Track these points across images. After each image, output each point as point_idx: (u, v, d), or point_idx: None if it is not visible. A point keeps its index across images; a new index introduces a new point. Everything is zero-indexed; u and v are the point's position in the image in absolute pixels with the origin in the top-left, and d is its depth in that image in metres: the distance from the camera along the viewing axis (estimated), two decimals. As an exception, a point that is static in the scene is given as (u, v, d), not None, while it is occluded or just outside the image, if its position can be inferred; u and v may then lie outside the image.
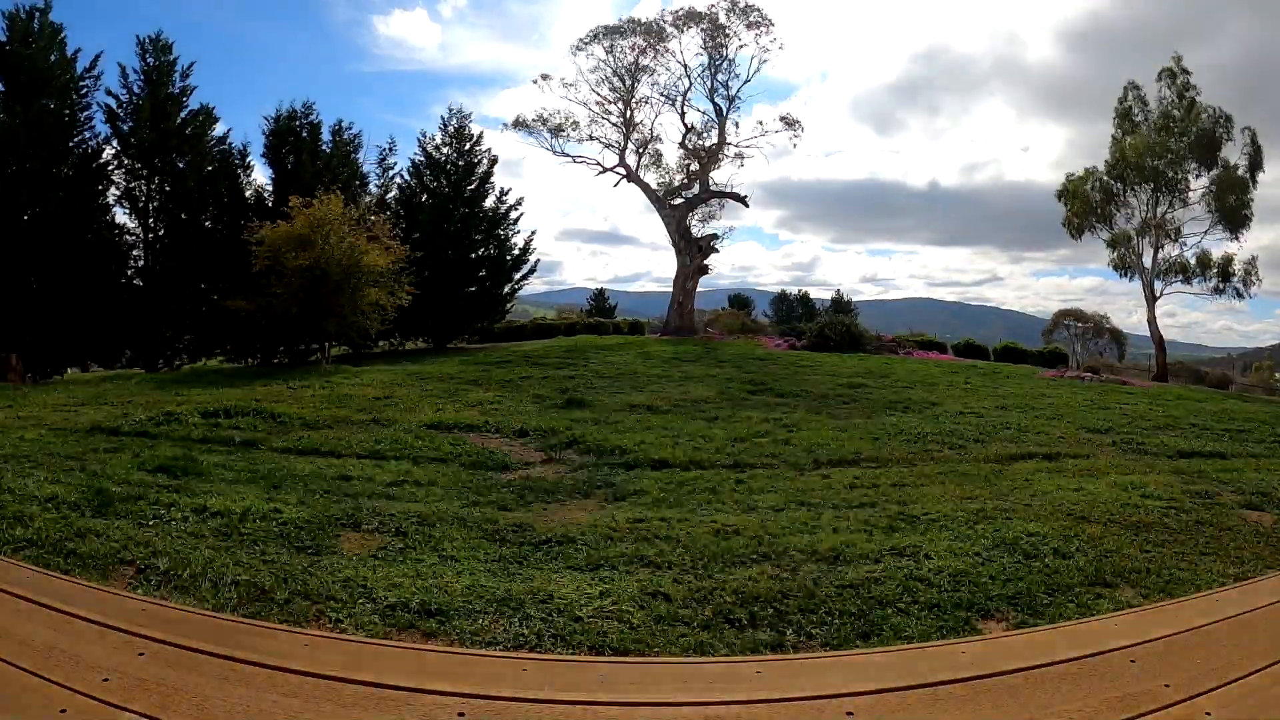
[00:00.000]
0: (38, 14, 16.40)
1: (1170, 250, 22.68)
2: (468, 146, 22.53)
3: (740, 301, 39.14)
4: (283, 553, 3.61)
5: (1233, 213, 21.31)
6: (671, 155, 26.20)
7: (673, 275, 24.38)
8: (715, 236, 24.74)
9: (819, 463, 6.42)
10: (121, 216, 17.90)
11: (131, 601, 1.97)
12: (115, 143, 17.69)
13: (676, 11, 24.07)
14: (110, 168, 17.63)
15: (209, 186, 18.31)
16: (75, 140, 17.03)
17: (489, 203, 22.63)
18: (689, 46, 24.31)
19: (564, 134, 25.08)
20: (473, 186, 22.43)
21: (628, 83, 24.76)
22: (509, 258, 22.94)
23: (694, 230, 24.60)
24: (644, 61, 24.52)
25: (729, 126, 24.71)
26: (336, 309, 15.56)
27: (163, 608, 1.97)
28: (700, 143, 24.86)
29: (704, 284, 26.21)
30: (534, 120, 24.96)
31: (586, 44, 24.66)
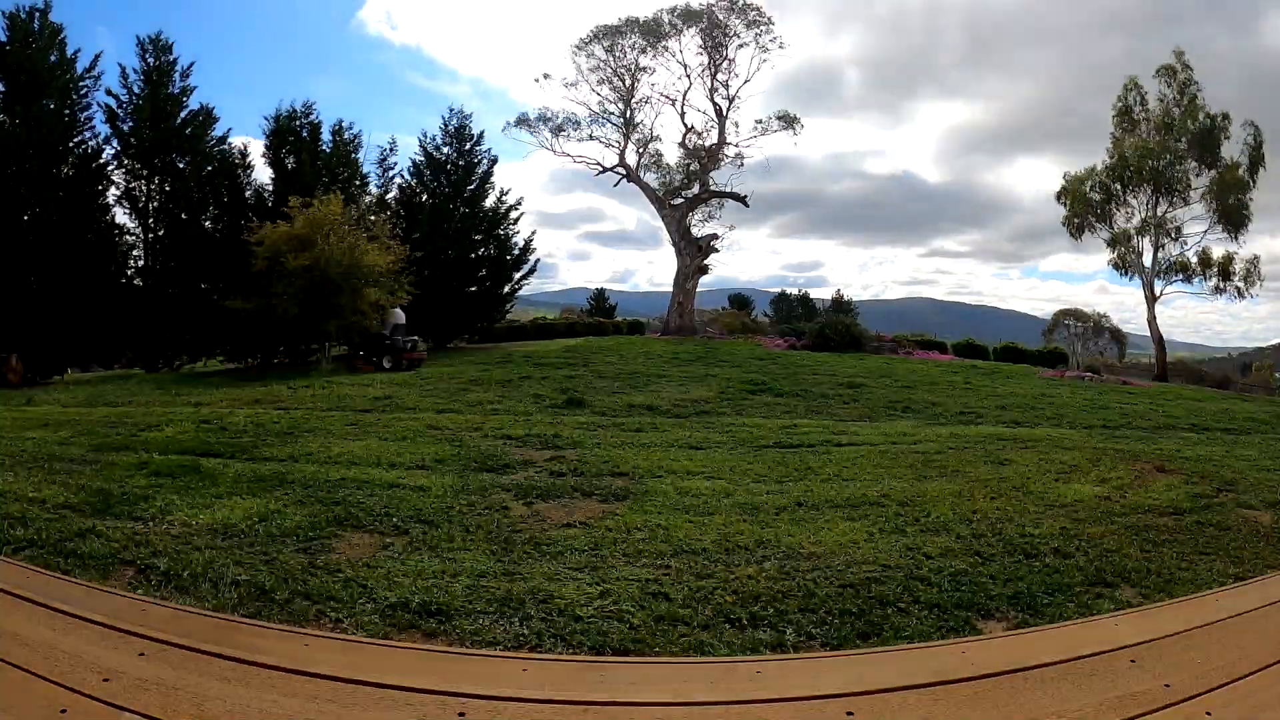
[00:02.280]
0: (38, 14, 16.41)
1: (1171, 250, 22.70)
2: (468, 146, 22.54)
3: (740, 301, 39.18)
4: (283, 553, 3.61)
5: (1233, 212, 21.29)
6: (672, 155, 26.21)
7: (672, 275, 24.40)
8: (715, 236, 24.74)
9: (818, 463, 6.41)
10: (121, 217, 17.95)
11: (132, 601, 1.97)
12: (115, 143, 17.73)
13: (674, 10, 24.07)
14: (110, 168, 17.66)
15: (209, 186, 18.32)
16: (75, 140, 17.04)
17: (489, 202, 22.64)
18: (688, 46, 24.33)
19: (565, 133, 25.11)
20: (473, 186, 22.43)
21: (628, 82, 24.77)
22: (509, 257, 22.95)
23: (694, 230, 24.60)
24: (644, 61, 24.55)
25: (729, 126, 24.72)
26: (336, 309, 15.56)
27: (163, 608, 1.97)
28: (700, 143, 24.87)
29: (704, 284, 26.22)
30: (535, 119, 24.99)
31: (587, 44, 24.69)
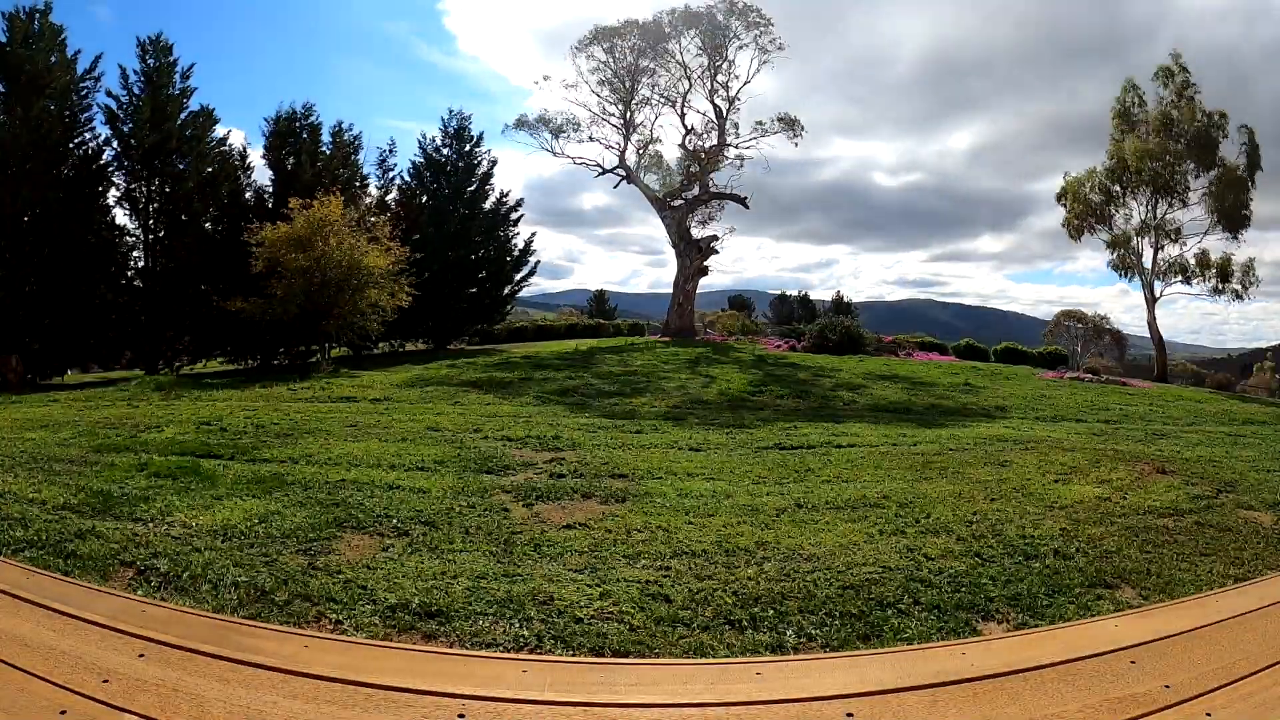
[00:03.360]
0: (38, 15, 16.42)
1: (1170, 251, 22.70)
2: (468, 148, 22.57)
3: (740, 303, 39.20)
4: (283, 554, 3.61)
5: (1231, 213, 21.29)
6: (672, 156, 26.22)
7: (672, 276, 24.40)
8: (715, 238, 24.74)
9: (818, 464, 6.41)
10: (121, 218, 17.97)
11: (131, 602, 1.97)
12: (115, 144, 17.74)
13: (673, 11, 24.07)
14: (110, 169, 17.67)
15: (209, 188, 18.34)
16: (75, 142, 17.06)
17: (489, 204, 22.67)
18: (688, 48, 24.32)
19: (565, 135, 25.09)
20: (473, 188, 22.47)
21: (628, 84, 24.75)
22: (509, 259, 22.97)
23: (694, 232, 24.60)
24: (644, 63, 24.51)
25: (729, 127, 24.71)
26: (336, 310, 15.57)
27: (163, 609, 1.97)
28: (700, 144, 24.86)
29: (704, 285, 26.21)
30: (535, 121, 24.97)
31: (587, 45, 24.68)
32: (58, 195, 16.13)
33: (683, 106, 24.81)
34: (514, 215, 22.97)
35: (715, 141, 24.66)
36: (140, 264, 18.16)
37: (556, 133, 25.03)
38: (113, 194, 17.69)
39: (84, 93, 17.20)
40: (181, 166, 18.00)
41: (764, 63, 23.94)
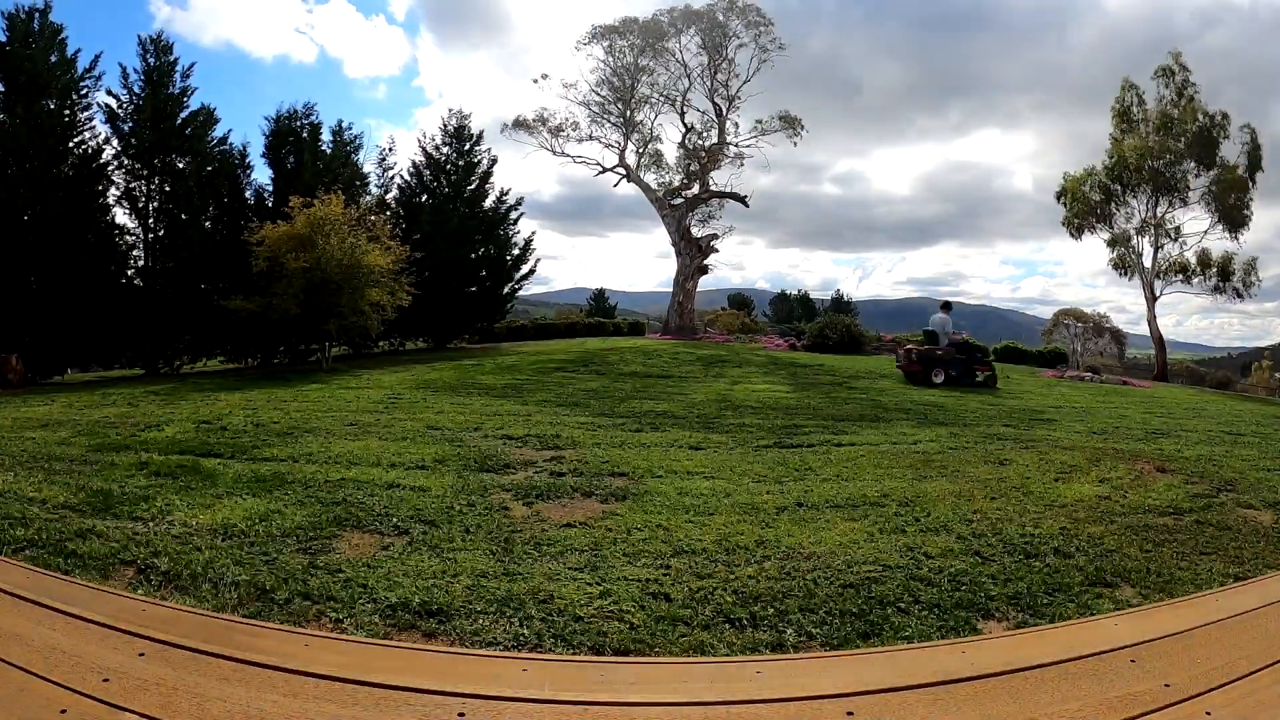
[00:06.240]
0: (37, 14, 16.40)
1: (1170, 249, 22.71)
2: (467, 146, 22.57)
3: (740, 301, 39.20)
4: (283, 553, 3.61)
5: (1233, 212, 21.30)
6: (671, 155, 26.23)
7: (672, 275, 24.41)
8: (715, 236, 24.75)
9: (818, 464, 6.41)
10: (121, 217, 17.88)
11: (132, 601, 1.97)
12: (115, 143, 17.67)
13: (672, 10, 24.08)
14: (110, 168, 17.60)
15: (209, 187, 18.30)
16: (75, 141, 17.00)
17: (489, 203, 22.67)
18: (688, 46, 24.33)
19: (564, 134, 25.10)
20: (473, 186, 22.47)
21: (627, 82, 24.77)
22: (509, 257, 22.98)
23: (694, 230, 24.60)
24: (643, 61, 24.55)
25: (729, 126, 24.72)
26: (337, 309, 15.57)
27: (163, 608, 1.97)
28: (700, 143, 24.87)
29: (704, 283, 26.23)
30: (534, 120, 24.97)
31: (585, 44, 24.71)
32: (57, 194, 16.09)
33: (683, 105, 24.84)
34: (514, 214, 23.00)
35: (715, 140, 24.68)
36: (140, 263, 18.11)
37: (555, 132, 25.06)
38: (113, 193, 17.62)
39: (84, 91, 17.15)
40: (182, 165, 17.96)
41: (764, 61, 23.96)
